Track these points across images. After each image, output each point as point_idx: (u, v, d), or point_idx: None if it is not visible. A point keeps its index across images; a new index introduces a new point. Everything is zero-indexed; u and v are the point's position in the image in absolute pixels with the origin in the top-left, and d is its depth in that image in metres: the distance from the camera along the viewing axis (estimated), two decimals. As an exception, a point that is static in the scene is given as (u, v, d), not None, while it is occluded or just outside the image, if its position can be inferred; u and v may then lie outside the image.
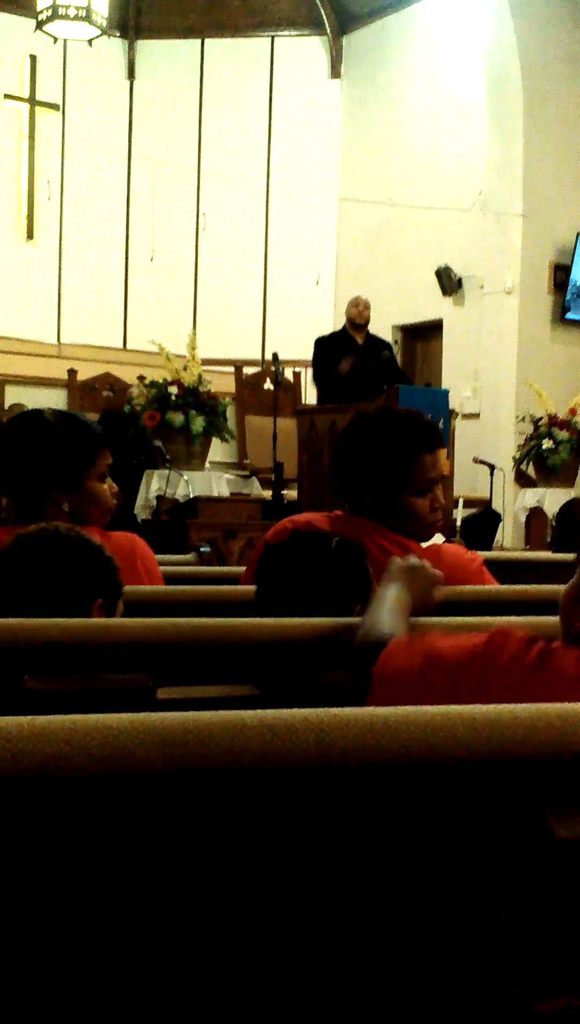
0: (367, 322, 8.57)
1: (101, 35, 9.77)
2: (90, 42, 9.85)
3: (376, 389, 7.33)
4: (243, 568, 2.59)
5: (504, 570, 2.89)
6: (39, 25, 9.63)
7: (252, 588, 2.04)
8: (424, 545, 2.38)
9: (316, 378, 8.58)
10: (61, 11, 9.29)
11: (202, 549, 4.20)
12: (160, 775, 1.04)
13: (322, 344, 8.47)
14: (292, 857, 1.07)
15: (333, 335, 8.69)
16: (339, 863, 1.08)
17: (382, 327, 9.89)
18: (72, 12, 9.28)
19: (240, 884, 1.06)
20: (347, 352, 8.26)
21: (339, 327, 8.96)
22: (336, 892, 1.08)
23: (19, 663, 1.63)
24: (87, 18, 9.30)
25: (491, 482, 8.86)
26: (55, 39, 9.91)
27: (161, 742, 1.04)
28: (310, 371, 9.00)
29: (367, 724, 1.09)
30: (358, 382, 7.80)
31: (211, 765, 1.05)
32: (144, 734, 1.04)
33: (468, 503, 7.96)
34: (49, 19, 9.41)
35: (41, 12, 9.49)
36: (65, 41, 10.23)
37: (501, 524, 8.59)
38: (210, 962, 1.05)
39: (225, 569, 3.10)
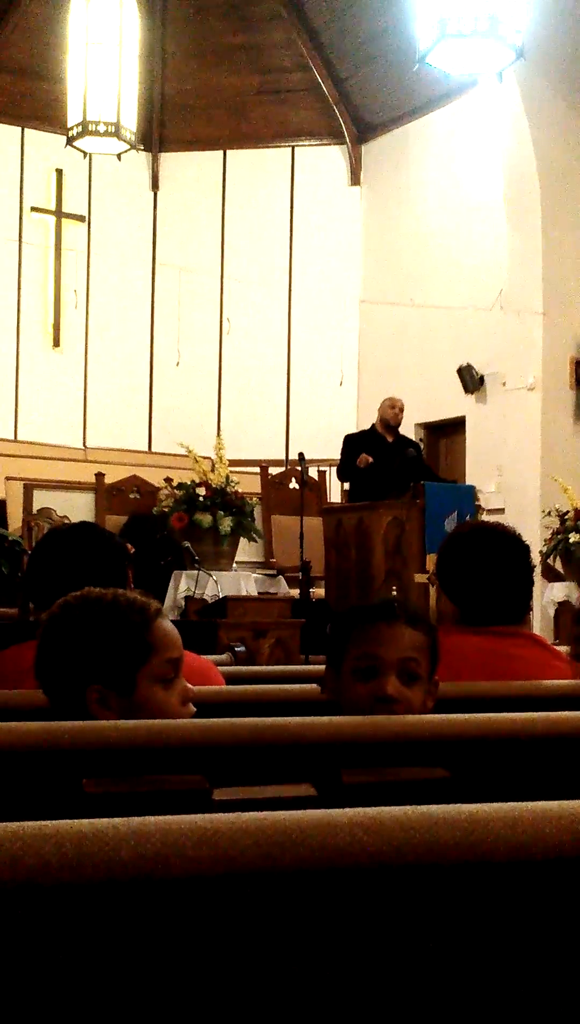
0: (399, 424, 8.64)
1: (129, 149, 10.06)
2: (119, 156, 10.15)
3: (403, 485, 7.37)
4: (279, 667, 2.63)
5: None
6: (69, 141, 9.94)
7: (310, 688, 2.06)
8: None
9: (341, 472, 8.65)
10: (91, 127, 9.60)
11: (237, 648, 4.18)
12: (219, 877, 1.03)
13: (351, 441, 8.53)
14: (383, 955, 1.05)
15: (362, 433, 8.75)
16: (435, 959, 1.05)
17: (405, 425, 9.94)
18: (101, 128, 9.60)
19: (331, 984, 1.03)
20: (375, 450, 8.31)
21: (365, 425, 9.02)
22: (433, 987, 1.05)
23: (76, 766, 1.62)
24: (116, 133, 9.61)
25: (519, 577, 8.80)
26: (85, 154, 10.22)
27: (216, 844, 1.03)
28: (335, 469, 9.04)
29: (451, 821, 1.07)
30: (385, 479, 7.84)
31: (275, 866, 1.04)
32: (202, 835, 1.04)
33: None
34: (79, 135, 9.71)
35: (71, 128, 9.80)
36: (91, 155, 10.53)
37: (530, 616, 8.51)
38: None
39: (271, 668, 3.09)
